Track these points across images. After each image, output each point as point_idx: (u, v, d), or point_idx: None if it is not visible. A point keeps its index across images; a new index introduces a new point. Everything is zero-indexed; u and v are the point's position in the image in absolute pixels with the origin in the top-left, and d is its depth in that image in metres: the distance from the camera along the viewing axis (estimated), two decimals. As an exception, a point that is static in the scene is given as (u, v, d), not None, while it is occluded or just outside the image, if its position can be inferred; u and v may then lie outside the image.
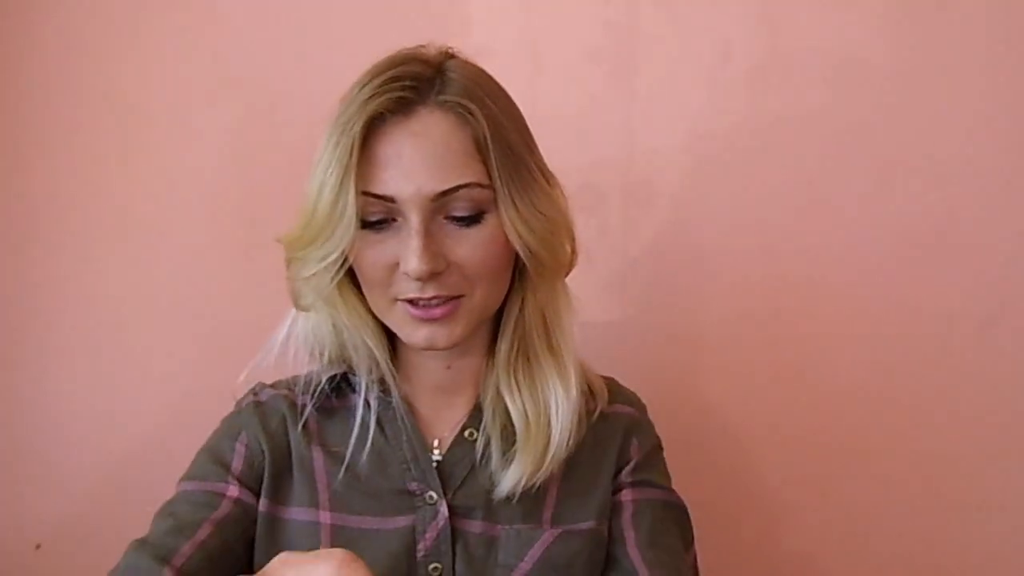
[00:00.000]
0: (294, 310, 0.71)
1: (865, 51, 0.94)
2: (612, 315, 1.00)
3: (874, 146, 0.95)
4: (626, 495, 0.72)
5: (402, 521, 0.68)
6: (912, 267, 0.94)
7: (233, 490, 0.68)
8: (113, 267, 1.07)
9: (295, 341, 0.72)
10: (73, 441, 1.07)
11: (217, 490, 0.68)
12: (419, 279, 0.62)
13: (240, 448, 0.70)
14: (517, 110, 0.68)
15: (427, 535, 0.67)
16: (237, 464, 0.70)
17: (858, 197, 0.95)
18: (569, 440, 0.68)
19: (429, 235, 0.62)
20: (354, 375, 0.73)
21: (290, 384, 0.75)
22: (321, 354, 0.73)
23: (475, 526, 0.68)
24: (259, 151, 1.05)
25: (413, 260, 0.61)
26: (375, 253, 0.64)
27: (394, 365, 0.73)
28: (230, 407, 0.75)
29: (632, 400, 0.78)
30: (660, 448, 0.77)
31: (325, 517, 0.68)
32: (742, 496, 0.99)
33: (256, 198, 1.05)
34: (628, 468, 0.73)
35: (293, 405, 0.73)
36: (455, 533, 0.68)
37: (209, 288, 1.06)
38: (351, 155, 0.61)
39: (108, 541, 1.06)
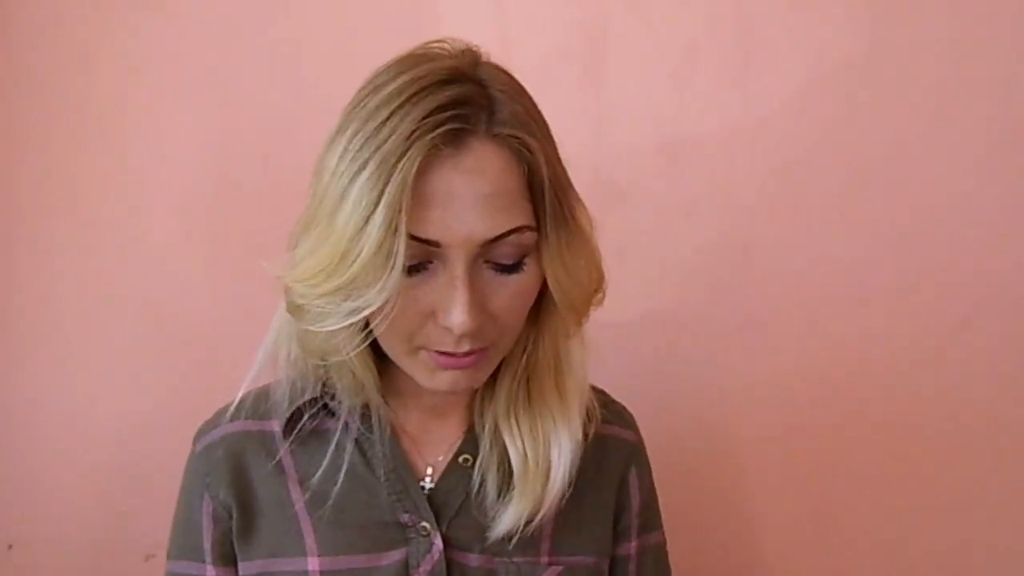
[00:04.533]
0: (270, 342, 0.65)
1: (835, 50, 0.95)
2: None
3: (846, 145, 0.95)
4: (631, 546, 0.72)
5: (395, 555, 0.63)
6: (885, 268, 0.95)
7: (211, 571, 0.66)
8: (87, 268, 1.06)
9: (278, 362, 0.66)
10: (45, 441, 1.06)
11: (199, 572, 0.66)
12: (463, 335, 0.55)
13: (207, 510, 0.66)
14: (547, 124, 0.61)
15: (421, 568, 0.63)
16: (208, 538, 0.66)
17: (830, 197, 0.95)
18: (564, 482, 0.64)
19: (473, 285, 0.55)
20: (333, 400, 0.65)
21: (259, 403, 0.68)
22: (303, 381, 0.65)
23: (472, 559, 0.65)
24: (233, 152, 1.04)
25: (458, 315, 0.54)
26: (405, 301, 0.55)
27: (383, 383, 0.66)
28: (205, 410, 0.71)
29: (628, 421, 0.75)
30: (651, 473, 0.75)
31: (314, 564, 0.63)
32: (714, 496, 1.00)
33: (231, 201, 1.04)
34: (633, 510, 0.72)
35: (262, 436, 0.66)
36: (451, 566, 0.64)
37: (184, 290, 1.05)
38: (402, 194, 0.51)
39: (80, 541, 1.06)
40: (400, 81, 0.54)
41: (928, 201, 0.94)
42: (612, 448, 0.72)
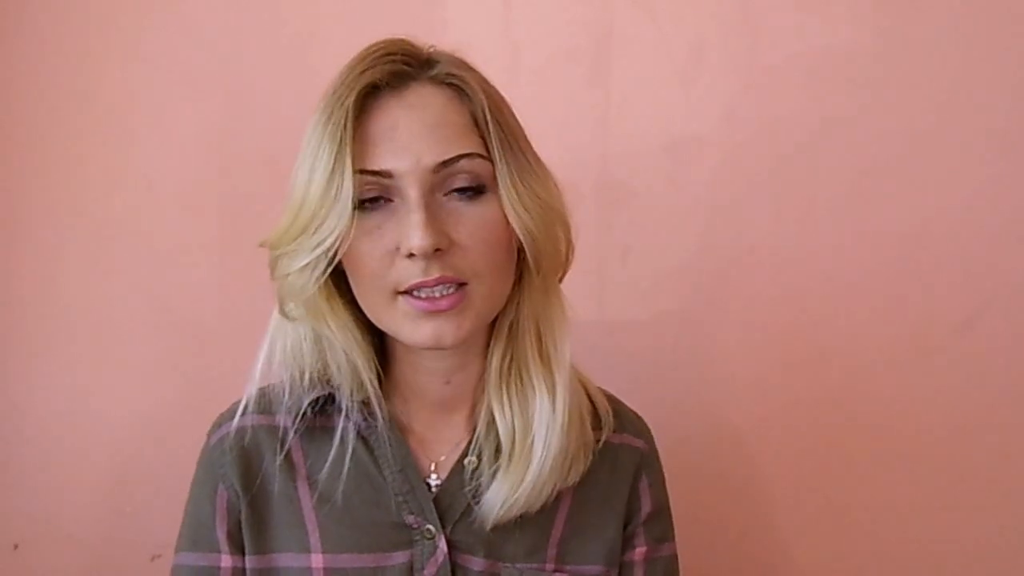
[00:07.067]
0: (271, 332, 0.67)
1: (842, 50, 0.95)
2: (586, 315, 0.99)
3: (852, 146, 0.95)
4: (639, 553, 0.71)
5: (399, 557, 0.64)
6: (889, 268, 0.95)
7: (227, 560, 0.66)
8: (91, 267, 1.06)
9: (275, 356, 0.67)
10: (51, 441, 1.06)
11: (211, 563, 0.66)
12: (423, 256, 0.57)
13: (221, 501, 0.66)
14: (495, 87, 0.65)
15: (425, 571, 0.64)
16: (222, 526, 0.66)
17: (836, 198, 0.95)
18: (550, 463, 0.64)
19: (430, 209, 0.58)
20: (338, 396, 0.66)
21: (269, 398, 0.69)
22: (302, 375, 0.66)
23: (476, 563, 0.65)
24: (239, 151, 1.05)
25: (416, 235, 0.57)
26: (371, 241, 0.59)
27: (387, 384, 0.68)
28: (211, 410, 0.72)
29: (640, 430, 0.75)
30: (664, 482, 0.75)
31: (317, 561, 0.64)
32: (723, 495, 1.00)
33: (236, 199, 1.04)
34: (643, 516, 0.71)
35: (273, 430, 0.67)
36: (455, 569, 0.65)
37: (188, 289, 1.06)
38: (344, 129, 0.57)
39: (85, 541, 1.07)
40: (356, 55, 0.61)
41: (932, 201, 0.94)
42: (623, 456, 0.72)
